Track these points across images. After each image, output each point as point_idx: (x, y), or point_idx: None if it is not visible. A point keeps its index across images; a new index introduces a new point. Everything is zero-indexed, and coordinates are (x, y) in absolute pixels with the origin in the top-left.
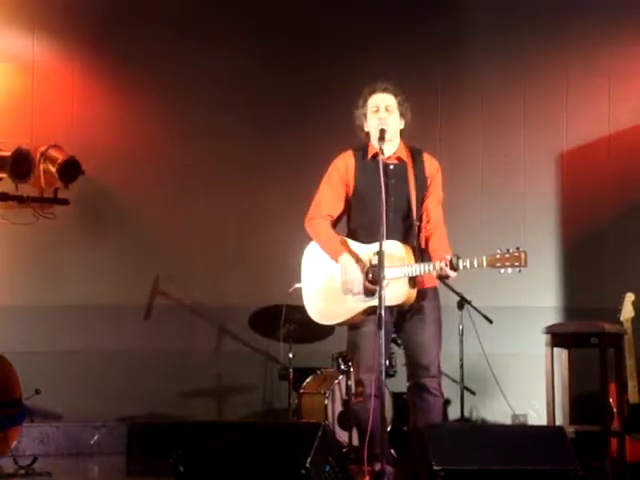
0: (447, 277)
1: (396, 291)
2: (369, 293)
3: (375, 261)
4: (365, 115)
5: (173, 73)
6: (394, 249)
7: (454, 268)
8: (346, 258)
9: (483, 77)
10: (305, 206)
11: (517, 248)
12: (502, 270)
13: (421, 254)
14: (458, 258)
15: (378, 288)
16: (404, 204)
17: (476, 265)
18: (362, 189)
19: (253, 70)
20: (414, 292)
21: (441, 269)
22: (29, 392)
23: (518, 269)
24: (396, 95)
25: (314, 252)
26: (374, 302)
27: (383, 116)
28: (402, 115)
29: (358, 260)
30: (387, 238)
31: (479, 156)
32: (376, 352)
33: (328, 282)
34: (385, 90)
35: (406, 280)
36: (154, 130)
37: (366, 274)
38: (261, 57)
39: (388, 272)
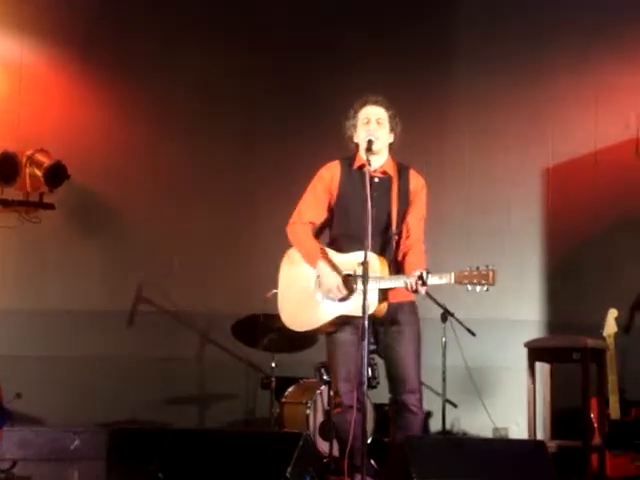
0: (416, 292)
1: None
2: (341, 301)
3: (351, 270)
4: (355, 126)
5: (159, 77)
6: (370, 259)
7: (424, 283)
8: (323, 264)
9: (469, 91)
10: (289, 214)
11: (486, 266)
12: (469, 287)
13: (397, 268)
14: (428, 273)
15: (359, 297)
16: (385, 217)
17: (444, 281)
18: (345, 199)
19: (241, 73)
20: (384, 305)
21: (410, 283)
22: (10, 396)
23: (485, 287)
24: (387, 108)
25: (291, 258)
26: (343, 311)
27: (373, 128)
28: (392, 129)
29: (335, 268)
30: (363, 249)
31: (465, 170)
32: (354, 362)
33: (302, 289)
34: (376, 103)
35: (376, 292)
36: (141, 135)
37: (342, 282)
38: (249, 60)
39: (360, 283)
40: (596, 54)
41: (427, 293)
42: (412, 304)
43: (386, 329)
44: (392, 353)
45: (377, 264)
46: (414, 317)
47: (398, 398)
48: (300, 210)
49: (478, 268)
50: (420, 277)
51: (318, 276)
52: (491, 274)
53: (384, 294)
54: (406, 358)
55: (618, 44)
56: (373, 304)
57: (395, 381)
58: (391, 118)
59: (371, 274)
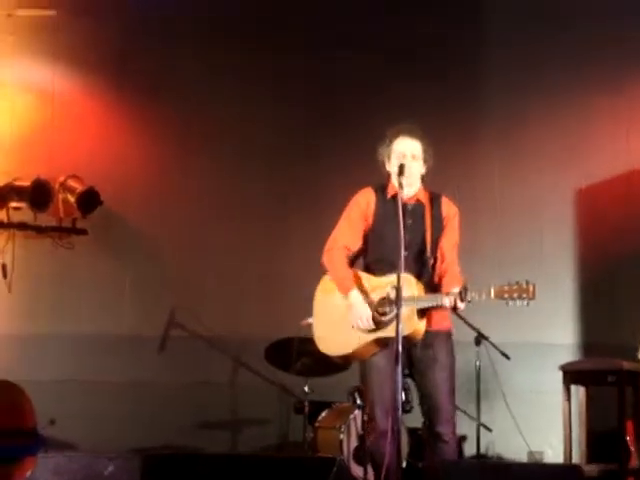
0: (456, 308)
1: (403, 323)
2: (377, 325)
3: (386, 294)
4: (389, 156)
5: (194, 105)
6: (405, 281)
7: (462, 299)
8: (355, 295)
9: (500, 113)
10: (322, 239)
11: (526, 281)
12: (510, 302)
13: (433, 291)
14: (466, 290)
15: (392, 320)
16: (419, 242)
17: (484, 297)
18: (380, 226)
19: (273, 105)
20: (422, 326)
21: (449, 300)
22: (44, 422)
23: (526, 302)
24: (422, 141)
25: (326, 285)
26: (381, 334)
27: (408, 163)
28: (425, 161)
29: (367, 296)
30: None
31: (496, 194)
32: (389, 387)
33: (339, 314)
34: (412, 135)
35: (414, 312)
36: (173, 161)
37: (376, 306)
38: (282, 92)
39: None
40: (629, 75)
41: (461, 316)
42: (448, 334)
43: (421, 355)
44: (426, 381)
45: (413, 284)
46: (449, 347)
47: (431, 427)
48: (335, 236)
49: (518, 282)
50: (460, 293)
51: (350, 306)
52: (531, 288)
53: (422, 315)
54: (440, 386)
55: None
56: (411, 325)
57: (428, 409)
58: (425, 151)
59: (408, 293)
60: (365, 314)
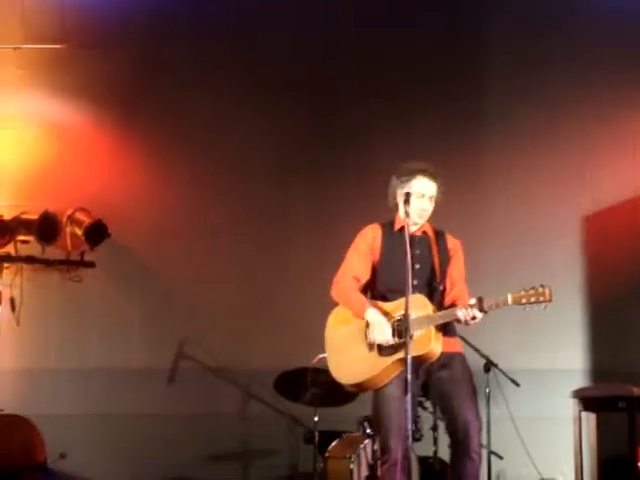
0: (473, 318)
1: (420, 341)
2: (395, 347)
3: (400, 316)
4: (402, 195)
5: (203, 137)
6: (418, 301)
7: (481, 309)
8: (373, 312)
9: (507, 137)
10: (329, 270)
11: (541, 285)
12: (527, 307)
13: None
14: (481, 299)
15: (405, 340)
16: (428, 270)
17: (502, 304)
18: (388, 258)
19: (281, 134)
20: (439, 344)
21: (465, 313)
22: (54, 456)
23: (543, 305)
24: (437, 182)
25: (336, 317)
26: (400, 355)
27: (426, 207)
28: (436, 199)
29: (385, 314)
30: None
31: (503, 220)
32: (403, 415)
33: (352, 342)
34: (431, 176)
35: (431, 331)
36: (180, 194)
37: (393, 328)
38: (290, 121)
39: (413, 322)
40: (634, 101)
41: (469, 343)
42: (461, 355)
43: (440, 374)
44: (449, 398)
45: (427, 303)
46: (466, 366)
47: (459, 443)
48: (344, 269)
49: (533, 287)
50: (478, 302)
51: (367, 325)
52: (547, 291)
53: (439, 334)
54: (465, 398)
55: None
56: (427, 344)
57: (455, 426)
58: (439, 191)
59: (422, 313)
60: (387, 327)
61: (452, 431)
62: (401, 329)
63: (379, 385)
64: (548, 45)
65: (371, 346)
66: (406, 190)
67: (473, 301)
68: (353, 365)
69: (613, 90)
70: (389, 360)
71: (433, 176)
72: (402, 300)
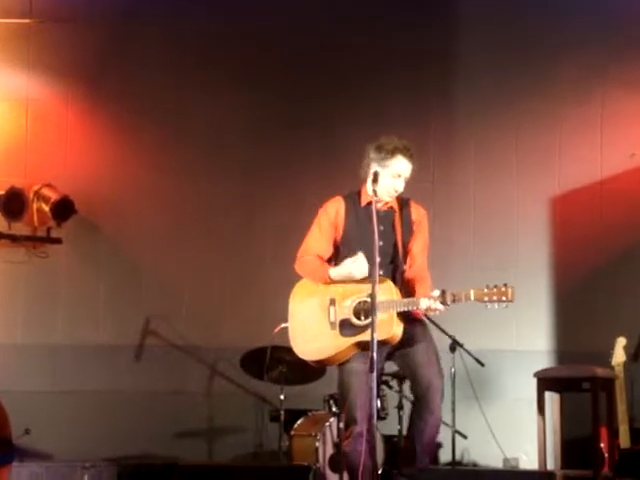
0: (434, 310)
1: (382, 325)
2: (357, 328)
3: (363, 298)
4: (381, 168)
5: (167, 112)
6: (384, 286)
7: (443, 302)
8: (334, 269)
9: (475, 122)
10: (295, 248)
11: (504, 284)
12: (489, 305)
13: (407, 295)
14: (444, 292)
15: (369, 322)
16: (390, 249)
17: (464, 299)
18: (351, 234)
19: (248, 108)
20: (400, 329)
21: (429, 304)
22: (19, 431)
23: (505, 304)
24: (413, 161)
25: (301, 290)
26: (361, 337)
27: (399, 188)
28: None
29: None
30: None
31: (471, 200)
32: (366, 393)
33: (316, 318)
34: (407, 155)
35: (393, 316)
36: (148, 169)
37: (354, 310)
38: (256, 94)
39: (377, 305)
40: (601, 83)
41: (435, 323)
42: (422, 322)
43: (402, 345)
44: (411, 358)
45: (393, 288)
46: (427, 332)
47: (421, 398)
48: (306, 245)
49: (496, 286)
50: (441, 296)
51: (331, 301)
52: (510, 290)
53: (400, 318)
54: (427, 360)
55: (623, 73)
56: (389, 329)
57: (417, 384)
58: (412, 170)
59: (387, 297)
60: (349, 262)
61: (415, 387)
62: (365, 310)
63: (338, 362)
64: (516, 27)
65: (333, 324)
66: (380, 169)
67: (437, 293)
68: (314, 342)
69: (580, 72)
70: (350, 341)
71: (409, 156)
72: (367, 283)
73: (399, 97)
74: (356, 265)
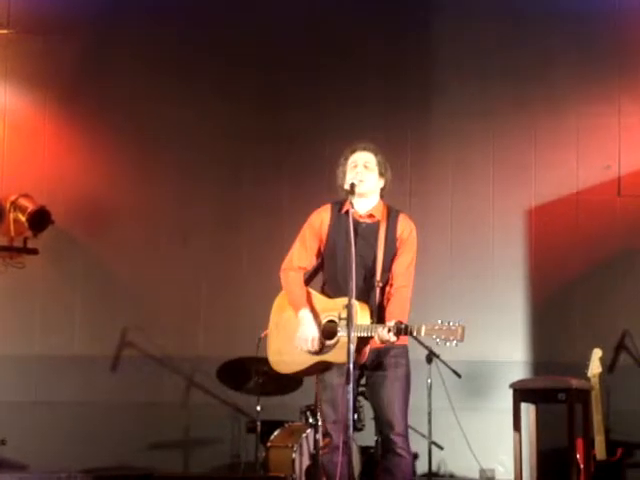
0: (387, 341)
1: (343, 349)
2: (321, 348)
3: (335, 315)
4: (344, 172)
5: (145, 122)
6: (359, 308)
7: (396, 334)
8: (305, 314)
9: (452, 135)
10: (274, 258)
11: (457, 323)
12: (438, 341)
13: (379, 315)
14: (401, 324)
15: (334, 346)
16: (369, 264)
17: (415, 333)
18: (333, 244)
19: (226, 118)
20: (364, 352)
21: (380, 335)
22: None
23: (454, 342)
24: (376, 154)
25: (282, 301)
26: (323, 357)
27: (360, 171)
28: (381, 174)
29: (317, 317)
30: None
31: (448, 212)
32: (342, 405)
33: (289, 332)
34: (365, 149)
35: (354, 340)
36: (125, 180)
37: (322, 329)
38: (235, 105)
39: (341, 329)
40: (576, 96)
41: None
42: (401, 348)
43: (372, 374)
44: (378, 397)
45: (358, 311)
46: (402, 360)
47: (385, 441)
48: (291, 256)
49: (449, 323)
50: (394, 327)
51: (299, 324)
52: (460, 330)
53: (364, 342)
54: (392, 402)
55: (598, 85)
56: (350, 353)
57: (381, 424)
58: (379, 163)
59: (357, 320)
60: (311, 335)
61: (380, 428)
62: (331, 330)
63: (308, 376)
64: (493, 41)
65: (299, 344)
66: (344, 169)
67: (391, 324)
68: (285, 356)
69: (558, 85)
70: (314, 359)
71: (367, 149)
72: (339, 300)
73: (376, 109)
74: (307, 347)
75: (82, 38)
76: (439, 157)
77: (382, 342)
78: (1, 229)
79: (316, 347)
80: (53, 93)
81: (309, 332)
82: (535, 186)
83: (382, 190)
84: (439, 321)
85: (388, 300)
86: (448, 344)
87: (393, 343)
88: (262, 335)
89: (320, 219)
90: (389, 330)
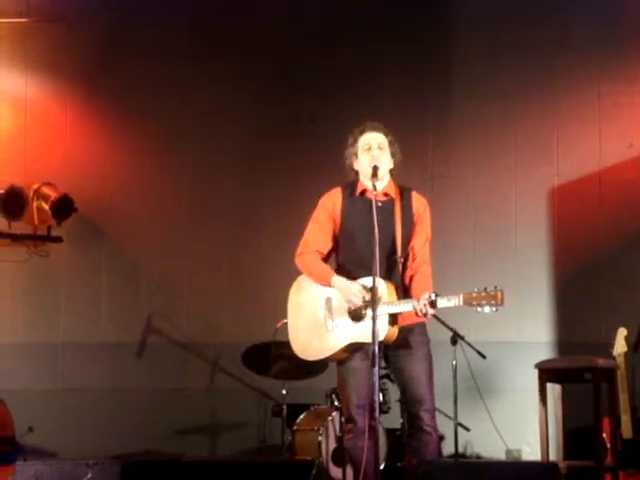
0: (426, 315)
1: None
2: (352, 329)
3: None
4: (356, 154)
5: (166, 110)
6: (383, 286)
7: (433, 306)
8: (337, 279)
9: (474, 114)
10: (295, 241)
11: (495, 287)
12: (478, 308)
13: (404, 292)
14: (437, 296)
15: (369, 323)
16: (389, 242)
17: (453, 303)
18: (349, 226)
19: (245, 106)
20: (395, 330)
21: (419, 307)
22: (23, 430)
23: (494, 308)
24: (386, 134)
25: (299, 286)
26: (353, 339)
27: (376, 154)
28: (392, 155)
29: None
30: (371, 275)
31: (470, 194)
32: (366, 388)
33: (311, 317)
34: (375, 129)
35: (386, 317)
36: (147, 167)
37: (349, 310)
38: (252, 92)
39: (369, 309)
40: (598, 73)
41: (436, 316)
42: (422, 326)
43: (397, 353)
44: (405, 375)
45: (385, 289)
46: (424, 338)
47: (413, 418)
48: (306, 240)
49: (486, 289)
50: (430, 300)
51: (327, 301)
52: (499, 294)
53: (394, 319)
54: (420, 378)
55: (620, 63)
56: (383, 330)
57: (410, 402)
58: (391, 144)
59: (383, 298)
60: (355, 289)
61: (407, 408)
62: (358, 312)
63: (335, 361)
64: (514, 22)
65: (328, 325)
66: (356, 152)
67: (427, 296)
68: (309, 341)
69: (579, 65)
70: (344, 342)
71: (378, 129)
72: (362, 280)
73: (398, 92)
74: (359, 296)
75: (101, 25)
76: (460, 139)
77: (423, 315)
78: (25, 218)
79: (366, 296)
80: (74, 81)
81: (352, 289)
82: (558, 165)
83: (391, 170)
84: (475, 289)
85: (411, 276)
86: (488, 310)
87: (427, 316)
88: (278, 325)
89: (332, 201)
90: (427, 301)
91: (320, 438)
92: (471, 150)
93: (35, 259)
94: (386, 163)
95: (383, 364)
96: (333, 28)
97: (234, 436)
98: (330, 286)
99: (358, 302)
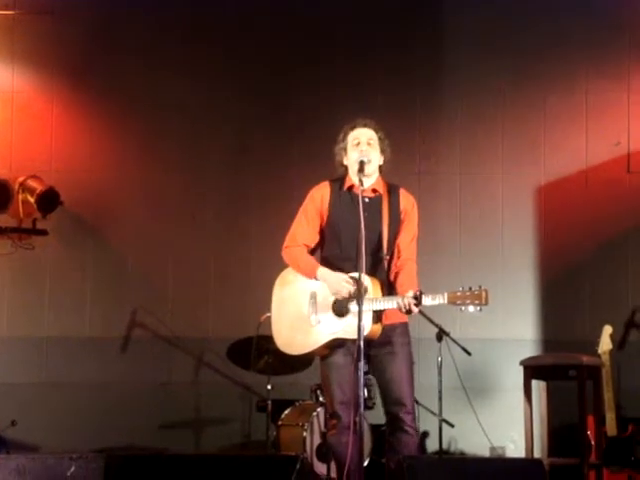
0: (410, 312)
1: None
2: (336, 324)
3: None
4: (345, 149)
5: (152, 103)
6: (368, 283)
7: (417, 304)
8: (323, 270)
9: (461, 111)
10: (281, 236)
11: (479, 287)
12: (462, 308)
13: (389, 289)
14: (421, 294)
15: (353, 319)
16: (376, 238)
17: (437, 302)
18: (335, 220)
19: (233, 99)
20: (378, 327)
21: (404, 304)
22: (6, 423)
23: (479, 307)
24: (377, 131)
25: (283, 280)
26: (337, 334)
27: (365, 149)
28: (382, 151)
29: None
30: (357, 270)
31: (457, 190)
32: (349, 384)
33: (295, 312)
34: (366, 125)
35: (370, 314)
36: (133, 161)
37: (332, 306)
38: (241, 86)
39: (353, 305)
40: (585, 72)
41: (422, 313)
42: (405, 326)
43: (379, 352)
44: (386, 376)
45: (370, 285)
46: (406, 339)
47: (394, 419)
48: (293, 233)
49: (471, 288)
50: (414, 297)
51: (312, 295)
52: (484, 294)
53: (378, 316)
54: (400, 379)
55: (607, 62)
56: (367, 327)
57: (391, 403)
58: (381, 140)
59: (367, 295)
60: (341, 279)
61: (388, 407)
62: (343, 307)
63: (318, 356)
64: (502, 20)
65: (311, 320)
66: (344, 146)
67: (411, 293)
68: (293, 336)
69: (567, 62)
70: (327, 337)
71: (368, 125)
72: (351, 275)
73: (386, 87)
74: (346, 287)
75: (88, 18)
76: (448, 135)
77: (407, 313)
78: (10, 210)
79: (352, 286)
80: (60, 73)
81: (339, 277)
82: (544, 164)
83: (381, 167)
84: (460, 288)
85: (396, 273)
86: (472, 309)
87: (412, 313)
88: (262, 319)
89: (320, 194)
90: (412, 299)
91: (305, 434)
92: (458, 147)
93: (20, 252)
94: (375, 159)
95: (365, 360)
96: (325, 26)
97: (219, 431)
98: (316, 278)
99: (345, 292)
